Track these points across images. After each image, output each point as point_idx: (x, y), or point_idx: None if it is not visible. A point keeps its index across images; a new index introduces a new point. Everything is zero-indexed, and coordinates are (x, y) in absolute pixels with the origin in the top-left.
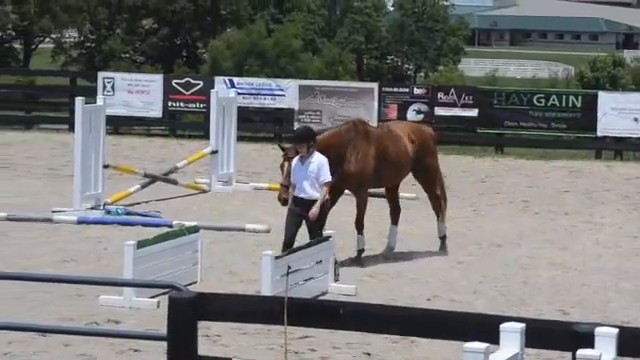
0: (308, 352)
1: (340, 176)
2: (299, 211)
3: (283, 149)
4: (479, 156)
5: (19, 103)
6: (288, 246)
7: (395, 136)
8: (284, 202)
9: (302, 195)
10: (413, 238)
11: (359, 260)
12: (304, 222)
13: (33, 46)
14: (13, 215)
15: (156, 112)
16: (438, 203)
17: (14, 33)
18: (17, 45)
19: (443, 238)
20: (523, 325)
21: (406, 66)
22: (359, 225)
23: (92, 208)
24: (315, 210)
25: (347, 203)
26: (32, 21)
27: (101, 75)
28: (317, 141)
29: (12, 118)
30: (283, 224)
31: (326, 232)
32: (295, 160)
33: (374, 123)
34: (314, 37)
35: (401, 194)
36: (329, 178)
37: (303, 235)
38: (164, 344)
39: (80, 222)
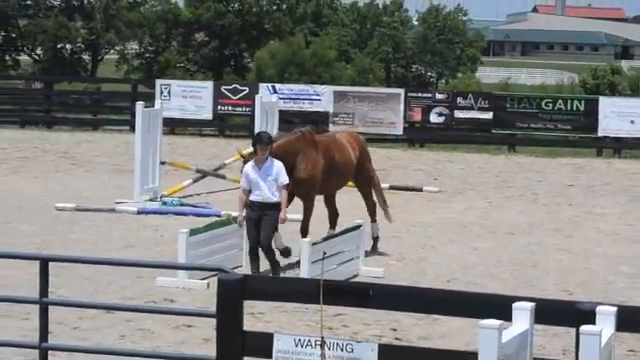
0: (341, 328)
1: (290, 183)
2: (257, 215)
3: (243, 156)
4: (494, 154)
5: (87, 107)
6: (254, 250)
7: (340, 144)
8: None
9: (260, 198)
10: (435, 227)
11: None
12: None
13: (100, 57)
14: (81, 206)
15: (207, 115)
16: (373, 206)
17: (83, 46)
18: (86, 56)
19: (376, 239)
20: (533, 304)
21: (429, 74)
22: (304, 230)
23: (150, 200)
24: (283, 214)
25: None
26: (99, 35)
27: (159, 82)
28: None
29: (81, 120)
30: (320, 214)
31: (356, 222)
32: (249, 165)
33: (399, 124)
34: (347, 48)
35: (425, 187)
36: (287, 180)
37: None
38: (213, 320)
39: (140, 212)
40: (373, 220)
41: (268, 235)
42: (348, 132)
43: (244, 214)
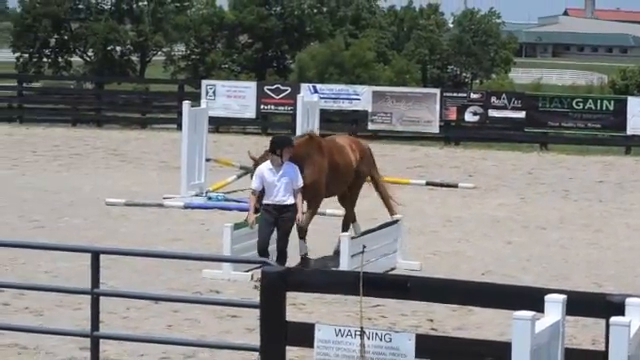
0: (380, 319)
1: None
2: (273, 218)
3: (254, 159)
4: (526, 152)
5: (136, 106)
6: (264, 252)
7: (340, 148)
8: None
9: (277, 201)
10: (469, 222)
11: (306, 263)
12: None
13: (148, 58)
14: (130, 201)
15: (250, 114)
16: (352, 217)
17: (132, 48)
18: (134, 58)
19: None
20: (564, 296)
21: (464, 74)
22: (302, 232)
23: (196, 195)
24: (300, 215)
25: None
26: (147, 37)
27: (204, 83)
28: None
29: (130, 119)
30: (360, 209)
31: (395, 216)
32: (266, 167)
33: (435, 123)
34: (385, 50)
35: (460, 184)
36: (302, 183)
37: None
38: (257, 311)
39: (186, 207)
40: (344, 230)
41: (285, 238)
42: (351, 137)
43: (254, 216)
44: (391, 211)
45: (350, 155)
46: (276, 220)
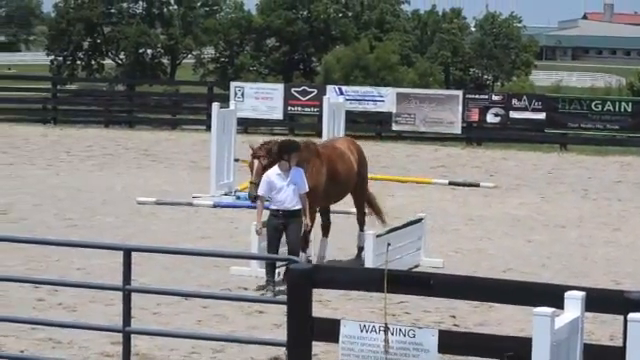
0: (403, 315)
1: None
2: (281, 224)
3: (252, 148)
4: (546, 152)
5: (166, 108)
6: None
7: (341, 153)
8: (254, 199)
9: (286, 207)
10: (491, 221)
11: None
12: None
13: (178, 61)
14: (160, 200)
15: (278, 115)
16: (364, 215)
17: (163, 51)
18: (165, 60)
19: (361, 248)
20: (583, 293)
21: (485, 77)
22: (304, 240)
23: (225, 194)
24: (308, 221)
25: (413, 189)
26: (177, 41)
27: (233, 85)
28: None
29: (161, 120)
30: (385, 208)
31: (417, 215)
32: (274, 172)
33: (458, 124)
34: (409, 53)
35: (482, 183)
36: (307, 188)
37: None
38: (284, 307)
39: (215, 206)
40: (361, 229)
41: (295, 242)
42: (345, 138)
43: (262, 225)
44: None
45: (351, 159)
46: (285, 226)
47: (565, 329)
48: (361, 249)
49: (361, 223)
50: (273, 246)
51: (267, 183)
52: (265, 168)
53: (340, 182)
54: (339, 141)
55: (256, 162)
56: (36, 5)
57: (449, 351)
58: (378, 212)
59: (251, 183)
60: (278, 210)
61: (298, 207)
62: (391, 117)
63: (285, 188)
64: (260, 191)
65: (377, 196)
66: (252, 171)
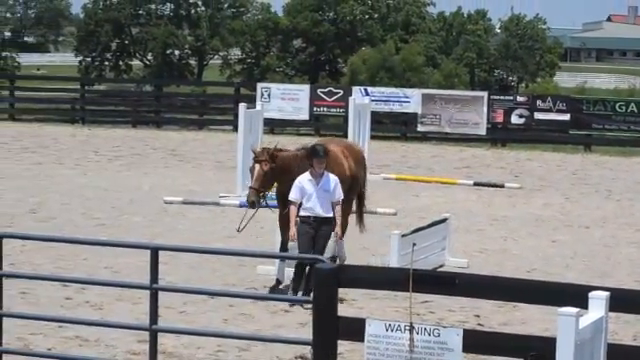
0: (428, 314)
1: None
2: (313, 231)
3: (255, 152)
4: (570, 153)
5: (194, 108)
6: (302, 265)
7: (334, 157)
8: (252, 204)
9: (317, 213)
10: (515, 221)
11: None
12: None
13: (205, 62)
14: (187, 199)
15: (304, 116)
16: (346, 225)
17: (190, 52)
18: (192, 61)
19: (335, 258)
20: (607, 293)
21: (510, 78)
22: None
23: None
24: (338, 229)
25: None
26: (205, 42)
27: (260, 85)
28: (278, 160)
29: (188, 120)
30: (410, 208)
31: (442, 215)
32: (306, 178)
33: (483, 125)
34: (434, 54)
35: (506, 184)
36: (343, 196)
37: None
38: (310, 306)
39: (242, 206)
40: (341, 237)
41: (322, 251)
42: (341, 140)
43: (294, 230)
44: (360, 224)
45: (344, 163)
46: (316, 233)
47: (589, 329)
48: (336, 259)
49: (343, 231)
50: (304, 253)
51: (298, 189)
52: (266, 174)
53: None
54: (333, 144)
55: (257, 167)
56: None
57: (473, 350)
58: (360, 220)
59: (250, 188)
60: (309, 216)
61: (329, 215)
62: (416, 118)
63: (315, 194)
64: (292, 196)
65: (399, 196)
66: (252, 175)
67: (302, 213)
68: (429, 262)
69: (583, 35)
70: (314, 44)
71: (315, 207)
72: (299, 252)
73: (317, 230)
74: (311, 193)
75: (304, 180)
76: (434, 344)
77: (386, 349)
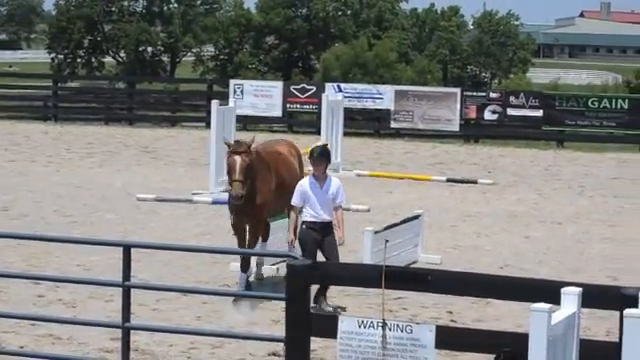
0: (401, 310)
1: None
2: (320, 236)
3: (229, 145)
4: (543, 149)
5: (166, 105)
6: None
7: (285, 159)
8: (240, 197)
9: (321, 218)
10: (488, 217)
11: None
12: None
13: (178, 59)
14: (160, 197)
15: (277, 112)
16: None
17: (162, 49)
18: (165, 58)
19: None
20: (580, 289)
21: (483, 74)
22: (245, 263)
23: (224, 191)
24: (341, 234)
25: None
26: (177, 39)
27: (232, 82)
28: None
29: (160, 117)
30: (383, 205)
31: (415, 211)
32: (307, 181)
33: (456, 121)
34: (407, 51)
35: (479, 180)
36: (345, 200)
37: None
38: (282, 303)
39: (214, 203)
40: (264, 239)
41: (337, 255)
42: (286, 141)
43: (293, 237)
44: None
45: (294, 163)
46: (322, 238)
47: (562, 325)
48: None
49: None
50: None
51: (300, 193)
52: (248, 165)
53: (287, 189)
54: (282, 144)
55: (238, 158)
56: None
57: (446, 347)
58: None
59: (235, 181)
60: (315, 222)
61: (332, 219)
62: (389, 114)
63: (318, 198)
64: (293, 201)
65: (372, 193)
66: (235, 168)
67: (308, 219)
68: (402, 259)
69: (556, 31)
70: (287, 41)
71: (320, 212)
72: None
73: (323, 236)
74: (313, 197)
75: (306, 184)
76: (407, 340)
77: (359, 346)
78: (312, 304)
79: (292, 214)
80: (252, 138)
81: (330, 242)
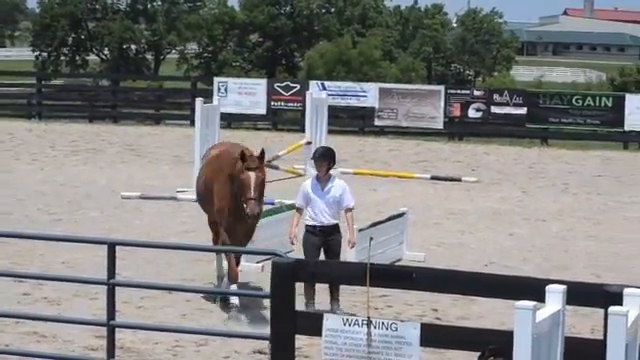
0: (386, 308)
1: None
2: (320, 241)
3: (243, 157)
4: (527, 147)
5: (150, 103)
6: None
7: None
8: (257, 217)
9: (322, 222)
10: (472, 215)
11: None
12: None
13: (162, 57)
14: (145, 194)
15: (261, 110)
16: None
17: (147, 46)
18: (149, 56)
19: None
20: (564, 286)
21: (467, 72)
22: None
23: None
24: (352, 238)
25: (396, 183)
26: (161, 36)
27: (216, 80)
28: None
29: (144, 115)
30: (367, 202)
31: (400, 209)
32: (310, 183)
33: (440, 119)
34: (391, 48)
35: (463, 178)
36: (353, 203)
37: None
38: (267, 301)
39: None
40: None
41: (338, 255)
42: (234, 143)
43: (295, 234)
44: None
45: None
46: (323, 244)
47: (546, 322)
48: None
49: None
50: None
51: (303, 194)
52: (262, 182)
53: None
54: (234, 147)
55: (252, 175)
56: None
57: (431, 344)
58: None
59: (251, 200)
60: (314, 226)
61: (334, 222)
62: (374, 112)
63: (318, 200)
64: (296, 202)
65: (356, 191)
66: (249, 186)
67: (308, 222)
68: (386, 256)
69: (539, 29)
70: (271, 38)
71: (320, 215)
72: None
73: (325, 240)
74: (315, 200)
75: (308, 185)
76: (392, 338)
77: (344, 343)
78: (326, 308)
79: (294, 216)
80: (261, 150)
81: (332, 246)
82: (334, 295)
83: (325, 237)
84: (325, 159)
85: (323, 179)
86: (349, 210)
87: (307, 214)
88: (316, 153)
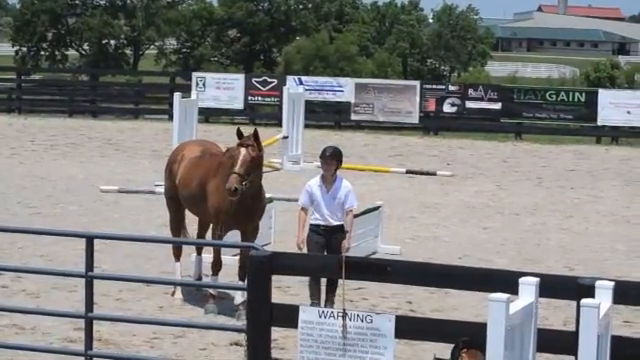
0: (361, 300)
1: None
2: (324, 240)
3: (240, 135)
4: (502, 141)
5: (129, 97)
6: (317, 278)
7: (221, 162)
8: (235, 192)
9: (327, 222)
10: (447, 208)
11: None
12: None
13: (141, 52)
14: (123, 188)
15: (239, 105)
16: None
17: (126, 42)
18: (128, 51)
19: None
20: (537, 279)
21: (443, 67)
22: (217, 264)
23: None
24: (347, 243)
25: (372, 177)
26: (140, 32)
27: (195, 75)
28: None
29: (123, 110)
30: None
31: (375, 203)
32: (315, 182)
33: (415, 114)
34: (368, 44)
35: (438, 172)
36: (355, 204)
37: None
38: (245, 293)
39: None
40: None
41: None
42: (207, 141)
43: (304, 237)
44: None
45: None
46: (327, 243)
47: (519, 314)
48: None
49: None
50: None
51: (308, 194)
52: (253, 159)
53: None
54: (209, 145)
55: (243, 150)
56: None
57: (406, 336)
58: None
59: (234, 174)
60: (318, 225)
61: (339, 223)
62: (350, 107)
63: (322, 201)
64: (301, 201)
65: None
66: (237, 160)
67: (311, 221)
68: (362, 249)
69: (514, 25)
70: (249, 34)
71: (324, 215)
72: None
73: (328, 240)
74: (320, 200)
75: (314, 185)
76: (367, 330)
77: (319, 335)
78: (323, 304)
79: (300, 214)
80: (254, 130)
81: (335, 246)
82: (329, 297)
83: (329, 236)
84: (334, 159)
85: (329, 179)
86: (350, 212)
87: (311, 213)
88: (325, 152)
